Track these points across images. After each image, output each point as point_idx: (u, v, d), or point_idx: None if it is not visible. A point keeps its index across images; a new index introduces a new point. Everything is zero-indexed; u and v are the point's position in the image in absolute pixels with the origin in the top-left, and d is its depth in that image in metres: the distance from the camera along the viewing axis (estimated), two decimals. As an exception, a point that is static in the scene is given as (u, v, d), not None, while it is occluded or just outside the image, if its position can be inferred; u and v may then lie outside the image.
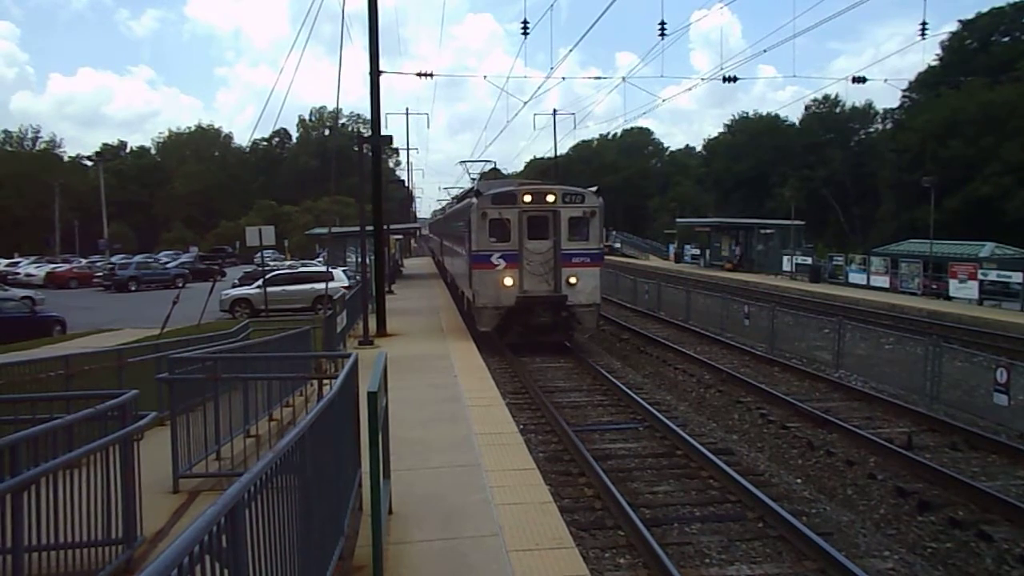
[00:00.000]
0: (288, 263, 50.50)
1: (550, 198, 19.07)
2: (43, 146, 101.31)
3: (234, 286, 33.81)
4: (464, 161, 36.54)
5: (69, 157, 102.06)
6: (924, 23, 20.87)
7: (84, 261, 60.69)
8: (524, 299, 18.95)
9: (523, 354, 19.16)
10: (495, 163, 31.55)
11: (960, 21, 65.01)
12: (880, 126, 77.51)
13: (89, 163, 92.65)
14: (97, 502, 5.85)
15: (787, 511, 8.73)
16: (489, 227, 18.97)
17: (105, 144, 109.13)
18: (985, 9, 63.16)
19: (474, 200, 19.28)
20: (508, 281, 18.88)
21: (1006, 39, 61.97)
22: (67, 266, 54.70)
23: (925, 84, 64.18)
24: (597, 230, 19.45)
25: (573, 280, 19.02)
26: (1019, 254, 34.48)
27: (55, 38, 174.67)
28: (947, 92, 57.74)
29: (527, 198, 18.95)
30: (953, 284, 29.85)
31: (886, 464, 10.86)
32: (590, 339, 21.57)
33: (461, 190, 44.27)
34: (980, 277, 28.84)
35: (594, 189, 19.84)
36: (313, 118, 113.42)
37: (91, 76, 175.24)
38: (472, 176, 35.80)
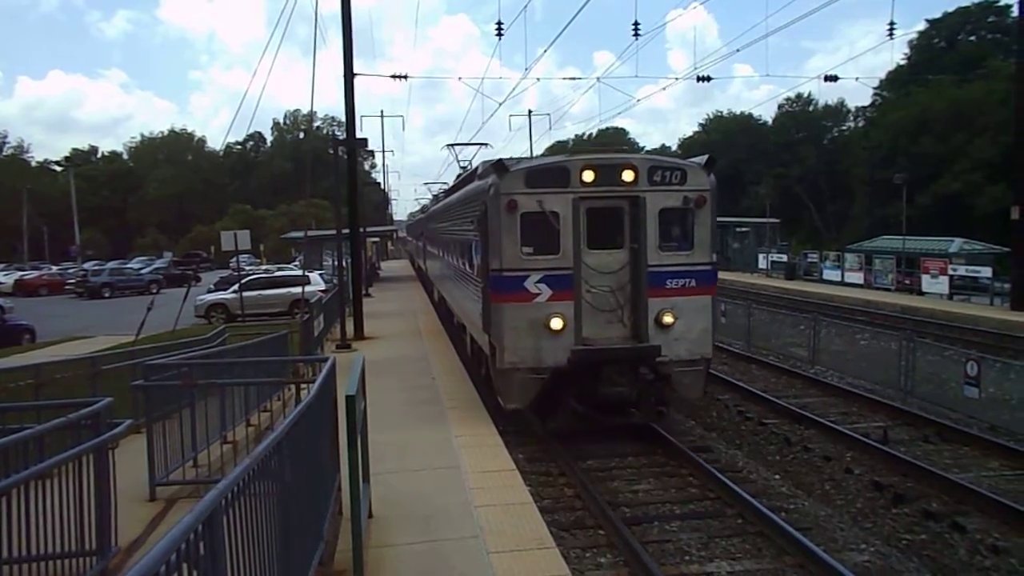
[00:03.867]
0: (264, 267, 50.08)
1: (627, 175, 11.27)
2: (10, 151, 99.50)
3: (209, 291, 33.47)
4: (452, 144, 27.33)
5: (37, 162, 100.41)
6: (892, 23, 21.17)
7: (55, 268, 59.74)
8: (584, 355, 11.01)
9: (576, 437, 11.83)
10: (490, 145, 26.49)
11: (927, 20, 66.20)
12: (852, 124, 78.63)
13: (59, 168, 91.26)
14: (70, 512, 5.76)
15: (766, 507, 8.82)
16: (521, 227, 11.10)
17: (75, 149, 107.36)
18: (952, 8, 64.33)
19: (494, 180, 11.29)
20: (556, 323, 11.05)
21: (972, 38, 63.11)
22: (37, 273, 53.81)
23: (895, 82, 65.17)
24: (708, 229, 11.67)
25: (668, 319, 11.27)
26: (987, 249, 35.10)
27: (23, 40, 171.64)
28: (917, 90, 58.67)
29: (587, 175, 11.16)
30: (925, 279, 30.29)
31: (862, 458, 11.00)
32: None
33: (444, 187, 36.19)
34: (950, 272, 29.32)
35: (702, 160, 11.99)
36: (287, 121, 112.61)
37: (61, 79, 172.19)
38: (462, 164, 26.77)
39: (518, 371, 11.24)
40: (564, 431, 11.66)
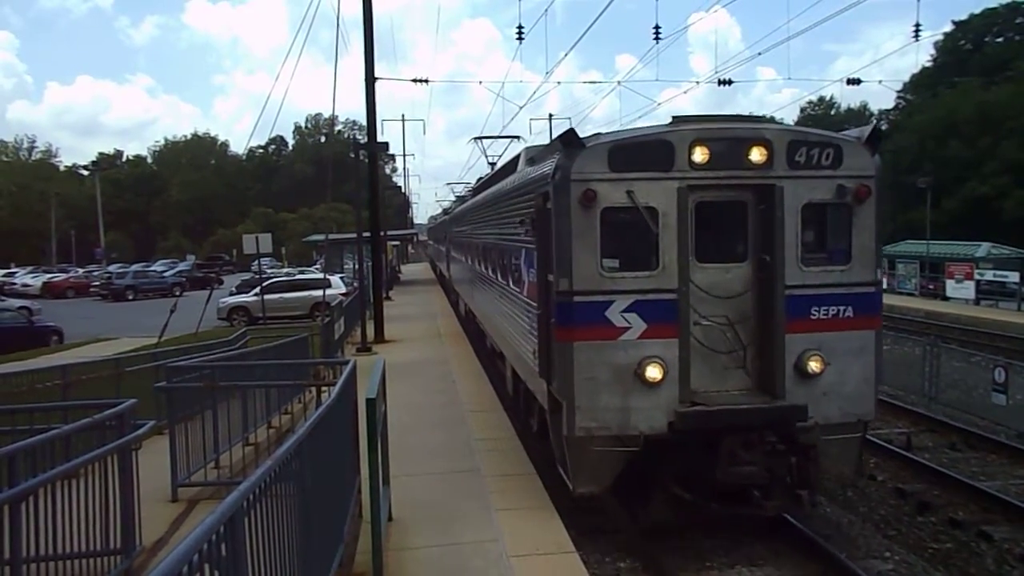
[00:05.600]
0: (285, 270, 50.47)
1: (757, 154, 7.74)
2: (39, 156, 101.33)
3: (231, 294, 33.82)
4: (480, 137, 24.22)
5: (65, 167, 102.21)
6: (917, 24, 20.78)
7: (81, 271, 60.63)
8: (695, 418, 7.51)
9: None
10: (522, 139, 22.81)
11: (954, 22, 65.38)
12: (875, 127, 77.96)
13: (86, 172, 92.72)
14: (95, 512, 5.84)
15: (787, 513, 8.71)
16: (602, 229, 7.60)
17: (101, 153, 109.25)
18: (979, 10, 63.50)
19: (561, 161, 7.77)
20: (653, 372, 7.54)
21: (999, 40, 62.23)
22: (64, 276, 54.66)
23: (919, 85, 64.44)
24: (871, 234, 8.00)
25: (815, 365, 7.71)
26: (1015, 254, 34.58)
27: (54, 46, 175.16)
28: (944, 93, 57.97)
29: (699, 154, 7.68)
30: (950, 284, 29.92)
31: (886, 465, 10.87)
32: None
33: (467, 187, 31.85)
34: (977, 277, 28.94)
35: (863, 132, 8.31)
36: (309, 125, 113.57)
37: (89, 84, 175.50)
38: (491, 159, 23.65)
39: (595, 440, 7.62)
40: (660, 526, 8.11)
